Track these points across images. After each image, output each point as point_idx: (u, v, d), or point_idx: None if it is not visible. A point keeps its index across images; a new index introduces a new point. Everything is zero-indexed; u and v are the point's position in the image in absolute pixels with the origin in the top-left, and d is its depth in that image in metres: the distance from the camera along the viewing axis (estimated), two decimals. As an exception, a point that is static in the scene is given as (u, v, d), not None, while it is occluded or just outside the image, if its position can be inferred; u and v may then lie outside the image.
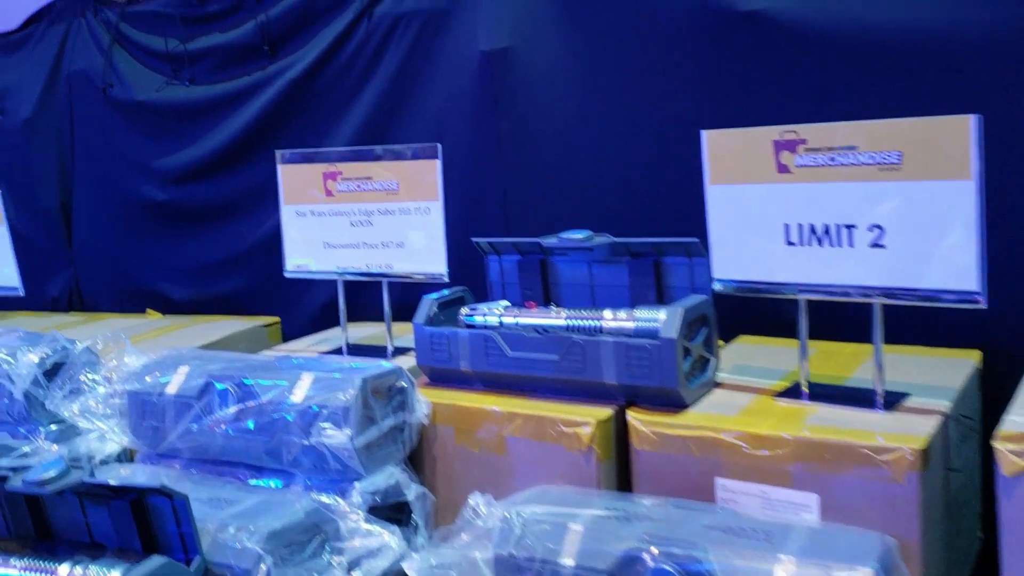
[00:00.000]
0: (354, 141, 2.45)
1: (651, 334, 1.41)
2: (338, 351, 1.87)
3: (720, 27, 1.90)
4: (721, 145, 1.40)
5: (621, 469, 1.41)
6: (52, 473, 1.27)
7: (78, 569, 1.23)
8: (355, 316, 2.44)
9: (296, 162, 1.86)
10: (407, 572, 1.26)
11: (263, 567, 1.21)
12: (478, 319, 1.58)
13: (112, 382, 1.62)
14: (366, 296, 2.42)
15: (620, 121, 2.08)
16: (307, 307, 2.63)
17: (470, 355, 1.53)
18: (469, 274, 1.78)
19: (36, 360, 1.74)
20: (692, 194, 1.98)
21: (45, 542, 1.35)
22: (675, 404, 1.37)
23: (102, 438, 1.76)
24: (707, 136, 1.41)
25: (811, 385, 1.41)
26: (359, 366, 1.47)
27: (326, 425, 1.36)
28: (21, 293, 2.22)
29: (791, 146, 1.34)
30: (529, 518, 1.24)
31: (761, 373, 1.53)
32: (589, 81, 2.12)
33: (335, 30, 2.50)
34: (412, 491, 1.43)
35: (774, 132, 1.35)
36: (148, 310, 2.74)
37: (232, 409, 1.45)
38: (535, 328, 1.51)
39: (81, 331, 2.43)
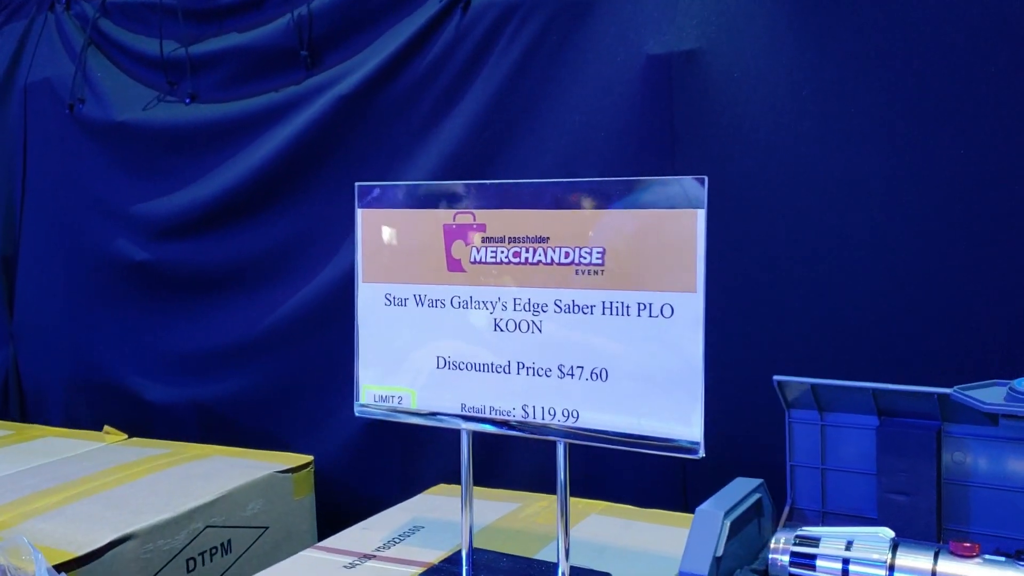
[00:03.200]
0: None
1: None
2: (450, 568, 0.99)
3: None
4: None
5: None
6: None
7: None
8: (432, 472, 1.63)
9: (392, 204, 1.01)
10: None
11: None
12: (826, 566, 0.71)
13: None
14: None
15: (892, 175, 1.26)
16: (344, 428, 1.79)
17: (836, 666, 0.65)
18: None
19: None
20: None
21: None
22: None
23: None
24: None
25: None
26: None
27: None
28: None
29: None
30: None
31: None
32: (836, 107, 1.32)
33: (410, 28, 1.74)
34: None
35: None
36: (106, 428, 1.86)
37: None
38: (1014, 619, 0.63)
39: (-4, 461, 1.56)
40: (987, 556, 0.69)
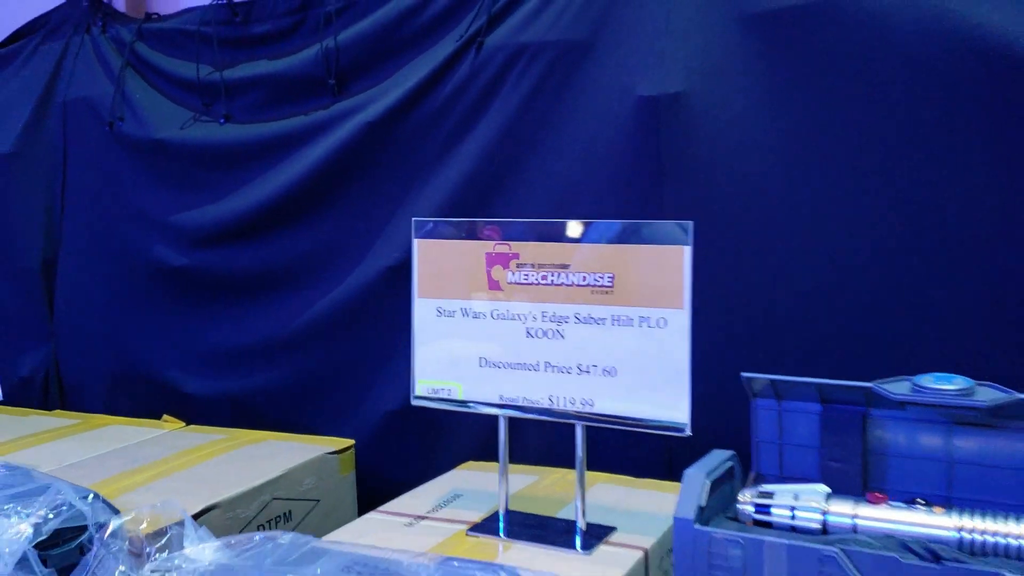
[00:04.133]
0: (448, 209, 1.88)
1: None
2: (490, 524, 1.24)
3: (1004, 73, 1.36)
4: None
5: None
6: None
7: None
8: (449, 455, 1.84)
9: (444, 236, 1.26)
10: None
11: None
12: (778, 513, 0.97)
13: (164, 588, 0.97)
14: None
15: (848, 201, 1.52)
16: (368, 419, 2.02)
17: (785, 580, 0.92)
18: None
19: (29, 531, 1.09)
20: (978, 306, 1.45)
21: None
22: None
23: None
24: None
25: None
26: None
27: None
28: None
29: None
30: None
31: None
32: (802, 143, 1.56)
33: (429, 63, 1.96)
34: None
35: None
36: (165, 417, 2.09)
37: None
38: (908, 545, 0.90)
39: (72, 445, 1.78)
40: (891, 503, 0.96)
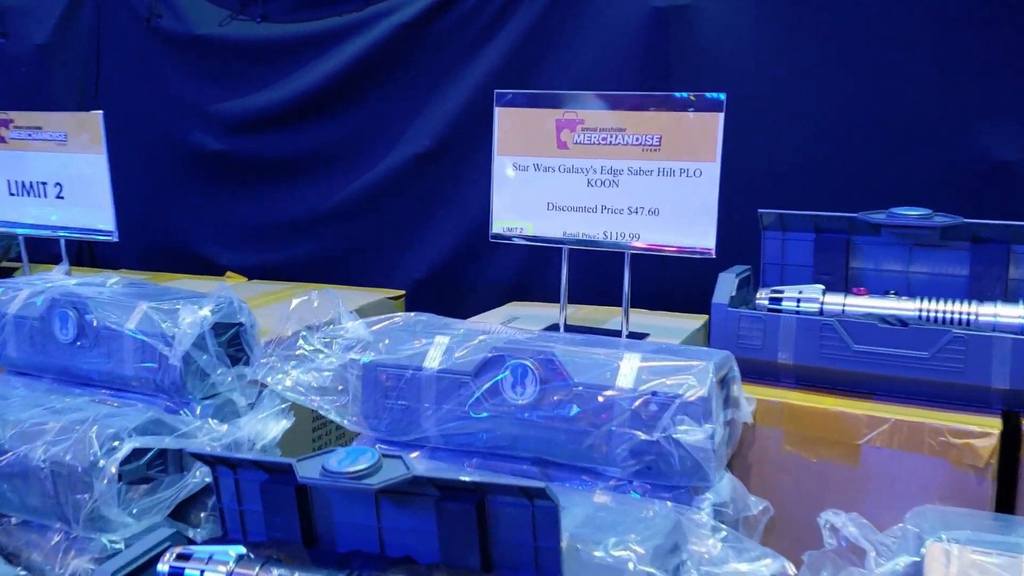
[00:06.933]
0: (478, 101, 2.17)
1: (1048, 332, 1.19)
2: (555, 332, 1.58)
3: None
4: None
5: (1004, 489, 1.18)
6: (364, 465, 0.96)
7: (426, 595, 0.92)
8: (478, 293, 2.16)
9: (520, 105, 1.57)
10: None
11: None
12: (788, 304, 1.33)
13: (332, 352, 1.29)
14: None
15: (821, 98, 1.88)
16: (397, 285, 2.32)
17: (794, 345, 1.28)
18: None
19: (207, 315, 1.39)
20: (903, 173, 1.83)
21: (323, 553, 1.03)
22: (1082, 416, 1.16)
23: (265, 420, 1.43)
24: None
25: None
26: (682, 349, 1.20)
27: (681, 418, 1.08)
28: (115, 238, 1.85)
29: None
30: (960, 547, 1.00)
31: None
32: (785, 50, 1.91)
33: (461, -31, 2.21)
34: (753, 504, 1.16)
35: None
36: (228, 273, 2.36)
37: (531, 390, 1.16)
38: (884, 318, 1.26)
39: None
40: (871, 295, 1.33)
